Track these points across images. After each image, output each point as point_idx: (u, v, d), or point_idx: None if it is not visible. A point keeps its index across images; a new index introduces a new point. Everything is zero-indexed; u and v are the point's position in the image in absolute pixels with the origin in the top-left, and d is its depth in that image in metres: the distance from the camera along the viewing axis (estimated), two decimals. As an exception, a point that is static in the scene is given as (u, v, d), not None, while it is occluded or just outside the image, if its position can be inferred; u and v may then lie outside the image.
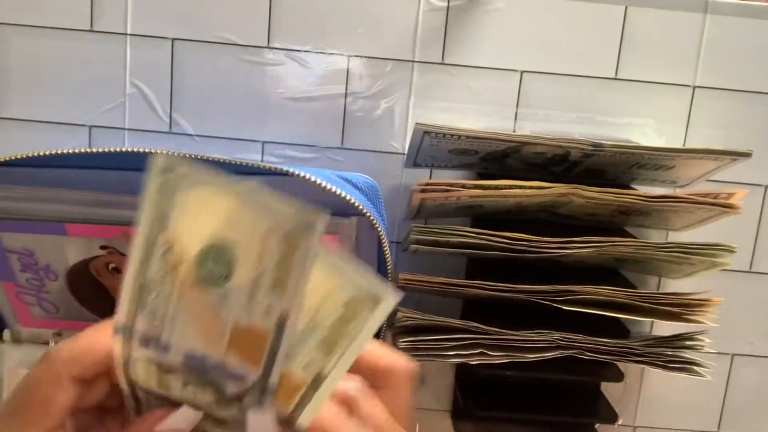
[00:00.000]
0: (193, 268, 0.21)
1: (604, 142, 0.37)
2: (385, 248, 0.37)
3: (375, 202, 0.38)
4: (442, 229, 0.38)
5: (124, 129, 0.45)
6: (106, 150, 0.33)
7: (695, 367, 0.39)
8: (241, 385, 0.21)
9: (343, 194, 0.34)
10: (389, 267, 0.37)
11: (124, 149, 0.33)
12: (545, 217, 0.43)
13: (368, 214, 0.35)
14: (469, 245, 0.38)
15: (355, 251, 0.37)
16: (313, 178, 0.34)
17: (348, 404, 0.25)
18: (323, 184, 0.34)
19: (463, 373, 0.47)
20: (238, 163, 0.34)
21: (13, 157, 0.33)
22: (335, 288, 0.21)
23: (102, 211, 0.35)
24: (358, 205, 0.35)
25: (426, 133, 0.36)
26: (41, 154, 0.33)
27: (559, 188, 0.37)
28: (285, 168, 0.34)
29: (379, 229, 0.36)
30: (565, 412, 0.44)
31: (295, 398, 0.22)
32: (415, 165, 0.43)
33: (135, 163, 0.35)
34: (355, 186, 0.37)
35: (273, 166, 0.34)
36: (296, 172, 0.34)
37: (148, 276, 0.22)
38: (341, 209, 0.35)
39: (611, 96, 0.45)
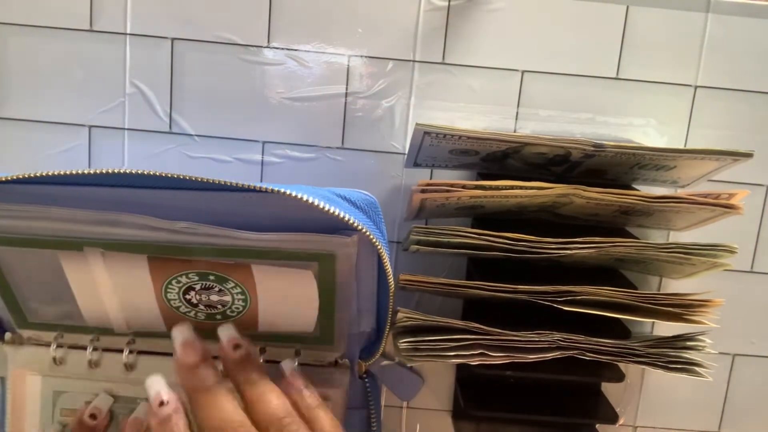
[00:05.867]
0: None
1: (605, 142, 0.37)
2: (386, 265, 0.36)
3: (374, 218, 0.38)
4: (443, 229, 0.38)
5: (124, 129, 0.45)
6: (104, 171, 0.32)
7: (696, 368, 0.39)
8: None
9: (340, 214, 0.34)
10: (390, 283, 0.37)
11: (122, 170, 0.33)
12: (546, 217, 0.43)
13: (367, 232, 0.34)
14: (469, 246, 0.38)
15: (355, 266, 0.37)
16: (310, 200, 0.33)
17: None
18: (320, 204, 0.33)
19: (463, 373, 0.47)
20: (239, 185, 0.33)
21: (7, 178, 0.33)
22: None
23: (96, 229, 0.35)
24: (357, 224, 0.34)
25: (426, 133, 0.36)
26: (35, 175, 0.33)
27: (560, 189, 0.37)
28: (283, 189, 0.33)
29: (379, 247, 0.35)
30: (565, 413, 0.44)
31: None
32: (416, 165, 0.43)
33: (130, 180, 0.35)
34: (353, 203, 0.36)
35: (270, 187, 0.33)
36: (293, 193, 0.33)
37: None
38: (342, 226, 0.35)
39: (612, 96, 0.45)
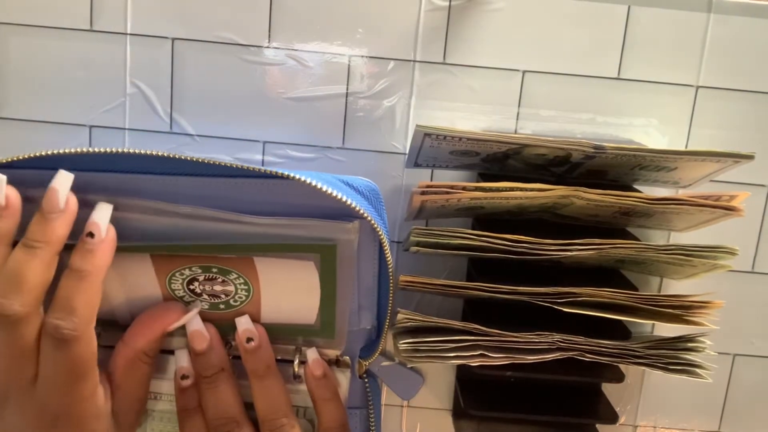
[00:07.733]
0: None
1: (605, 144, 0.36)
2: (387, 252, 0.37)
3: (376, 206, 0.38)
4: (443, 231, 0.38)
5: (125, 129, 0.45)
6: (101, 150, 0.33)
7: (696, 369, 0.39)
8: None
9: (344, 198, 0.34)
10: (391, 270, 0.37)
11: (122, 150, 0.33)
12: (546, 218, 0.43)
13: (369, 217, 0.35)
14: (469, 247, 0.38)
15: (356, 255, 0.37)
16: (314, 183, 0.33)
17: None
18: (324, 188, 0.34)
19: (463, 372, 0.47)
20: (241, 167, 0.34)
21: (15, 158, 0.33)
22: None
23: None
24: (359, 209, 0.35)
25: (426, 135, 0.36)
26: (41, 154, 0.33)
27: (561, 190, 0.37)
28: (286, 172, 0.34)
29: (380, 232, 0.36)
30: (565, 412, 0.44)
31: None
32: (416, 165, 0.43)
33: (131, 164, 0.35)
34: (356, 190, 0.37)
35: (274, 170, 0.34)
36: (297, 177, 0.34)
37: None
38: (343, 213, 0.35)
39: (614, 96, 0.45)
